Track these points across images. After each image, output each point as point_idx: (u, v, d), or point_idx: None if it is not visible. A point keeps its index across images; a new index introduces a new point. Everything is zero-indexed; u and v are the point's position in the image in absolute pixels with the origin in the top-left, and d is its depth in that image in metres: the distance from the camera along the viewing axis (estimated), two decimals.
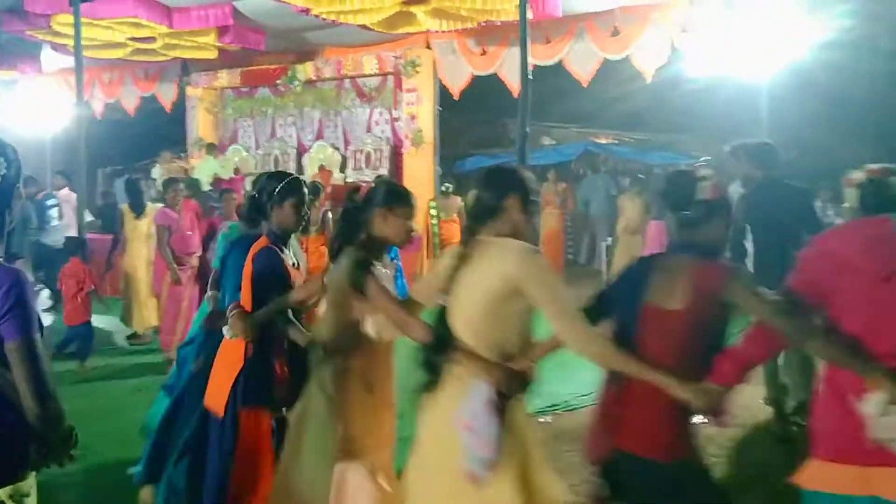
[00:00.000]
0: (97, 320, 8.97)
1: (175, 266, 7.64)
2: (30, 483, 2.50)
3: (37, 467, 2.48)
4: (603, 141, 15.83)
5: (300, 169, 14.17)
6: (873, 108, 12.72)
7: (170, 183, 8.14)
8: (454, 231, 11.24)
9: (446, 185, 11.95)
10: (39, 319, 2.41)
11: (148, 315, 8.65)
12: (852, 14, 9.46)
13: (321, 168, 13.68)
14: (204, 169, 12.99)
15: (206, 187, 10.51)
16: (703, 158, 13.70)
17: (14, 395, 2.34)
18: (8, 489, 2.43)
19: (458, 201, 11.63)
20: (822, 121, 13.12)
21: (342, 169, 13.59)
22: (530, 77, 6.02)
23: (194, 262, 7.86)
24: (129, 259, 8.76)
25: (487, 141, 15.99)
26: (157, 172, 14.37)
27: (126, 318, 8.93)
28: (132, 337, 8.86)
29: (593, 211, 13.97)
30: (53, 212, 10.58)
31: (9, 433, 2.39)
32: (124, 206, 8.96)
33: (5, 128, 15.43)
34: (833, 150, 12.88)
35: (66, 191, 11.27)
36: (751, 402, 6.05)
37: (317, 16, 9.62)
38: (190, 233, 7.81)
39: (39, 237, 10.42)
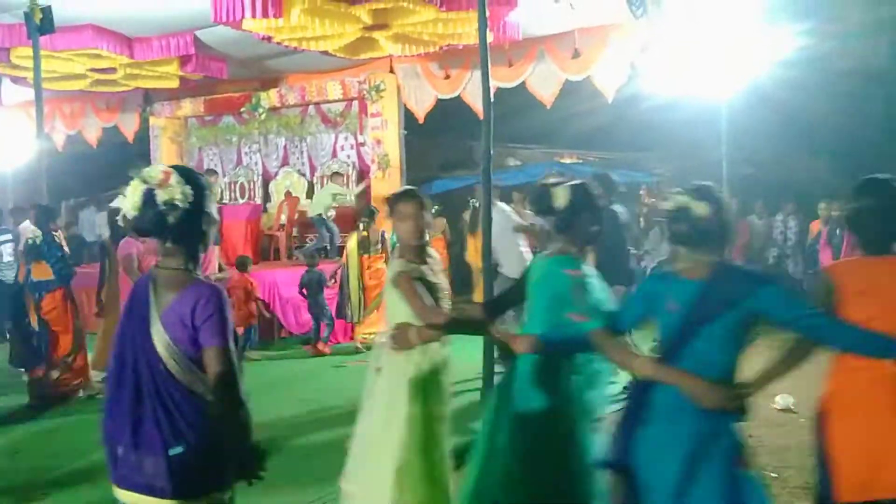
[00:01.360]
0: None
1: None
2: (227, 496, 2.62)
3: (232, 481, 2.59)
4: (567, 161, 15.98)
5: (267, 196, 14.14)
6: (830, 125, 12.98)
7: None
8: (438, 249, 11.32)
9: (435, 207, 12.05)
10: (235, 331, 2.60)
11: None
12: (809, 33, 9.67)
13: (287, 194, 13.67)
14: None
15: None
16: (659, 174, 13.91)
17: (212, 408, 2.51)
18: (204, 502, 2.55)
19: (443, 222, 11.87)
20: (780, 137, 13.37)
21: (309, 195, 13.57)
22: (492, 100, 6.06)
23: None
24: (112, 293, 8.55)
25: (453, 163, 16.06)
26: (121, 203, 14.20)
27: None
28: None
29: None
30: (6, 247, 10.38)
31: (207, 444, 2.51)
32: (106, 239, 8.81)
33: None
34: (790, 167, 13.13)
35: (26, 224, 11.08)
36: None
37: (279, 43, 9.63)
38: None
39: None
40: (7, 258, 10.28)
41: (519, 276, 3.73)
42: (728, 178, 9.71)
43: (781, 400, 6.39)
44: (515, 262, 7.64)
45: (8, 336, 10.07)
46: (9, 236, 10.39)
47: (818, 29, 10.11)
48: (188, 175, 2.63)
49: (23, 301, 8.03)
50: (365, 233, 9.72)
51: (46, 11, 8.22)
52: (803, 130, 13.47)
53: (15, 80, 11.68)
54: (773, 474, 5.18)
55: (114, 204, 9.99)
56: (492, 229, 6.25)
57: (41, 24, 8.25)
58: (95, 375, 8.60)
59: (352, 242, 9.69)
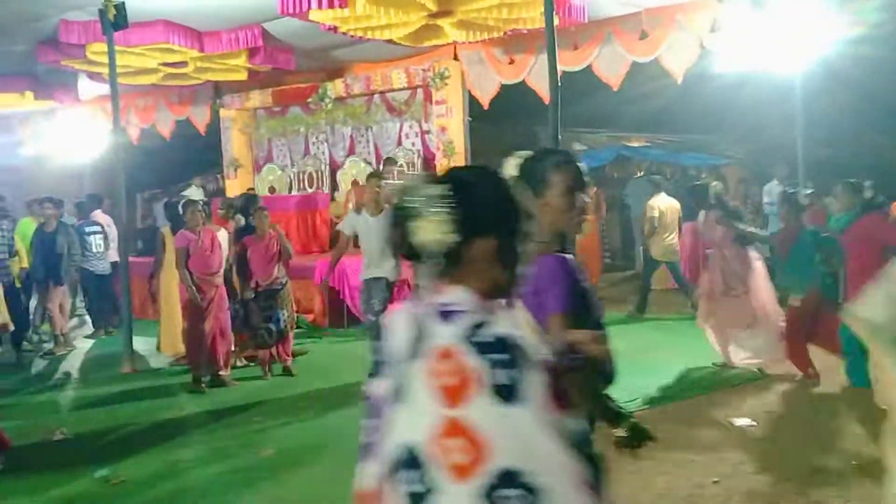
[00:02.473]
0: (139, 342, 9.14)
1: (193, 288, 7.61)
2: None
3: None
4: (635, 144, 15.72)
5: (334, 185, 14.28)
6: None
7: (188, 205, 8.17)
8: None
9: None
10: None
11: (178, 338, 8.60)
12: (882, 9, 9.31)
13: (354, 183, 13.78)
14: None
15: None
16: (731, 156, 13.57)
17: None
18: None
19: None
20: (859, 117, 12.93)
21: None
22: (559, 84, 6.00)
23: (217, 281, 7.85)
24: (165, 281, 8.83)
25: (518, 149, 15.85)
26: (193, 193, 14.58)
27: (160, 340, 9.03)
28: (177, 362, 8.80)
29: (635, 214, 13.91)
30: (95, 238, 10.72)
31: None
32: (165, 229, 9.04)
33: (46, 156, 15.83)
34: (871, 147, 12.68)
35: (97, 212, 11.44)
36: None
37: (344, 33, 9.69)
38: (209, 253, 7.78)
39: (82, 264, 10.57)
40: (96, 249, 10.61)
41: None
42: (804, 159, 9.47)
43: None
44: None
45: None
46: (97, 227, 10.72)
47: (893, 3, 9.73)
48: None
49: None
50: None
51: (120, 8, 8.44)
52: (883, 109, 13.01)
53: (91, 75, 12.00)
54: (853, 462, 5.05)
55: (185, 193, 10.31)
56: None
57: (115, 21, 8.48)
58: (162, 359, 8.88)
59: None
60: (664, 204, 10.64)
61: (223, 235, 8.39)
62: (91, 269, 10.59)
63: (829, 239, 7.22)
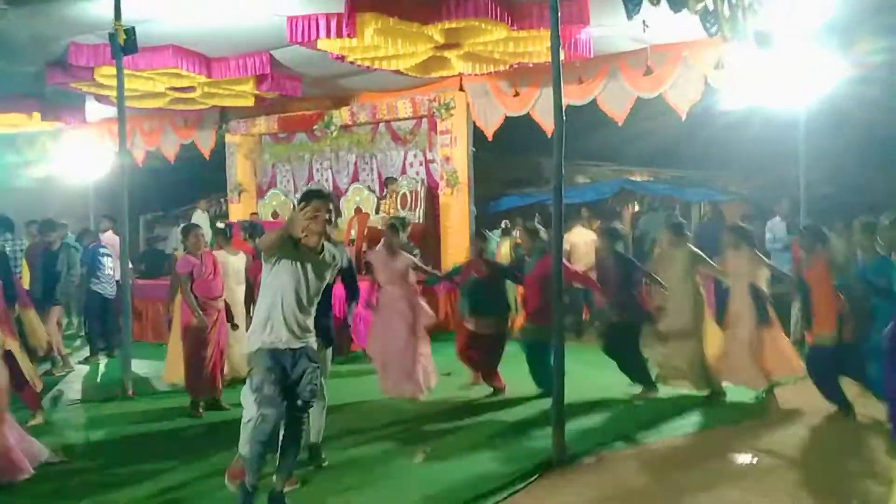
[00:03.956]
0: (138, 365, 9.09)
1: (200, 312, 7.56)
2: None
3: None
4: (638, 178, 15.78)
5: (338, 212, 14.32)
6: None
7: (189, 229, 8.15)
8: None
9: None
10: None
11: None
12: (886, 51, 9.39)
13: (357, 210, 13.82)
14: None
15: None
16: (735, 192, 13.61)
17: None
18: None
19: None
20: (860, 157, 12.99)
21: (378, 211, 13.70)
22: (564, 118, 6.03)
23: (219, 305, 7.81)
24: (178, 307, 8.77)
25: (522, 180, 16.05)
26: (199, 217, 14.61)
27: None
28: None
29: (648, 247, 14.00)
30: (106, 260, 10.69)
31: None
32: (179, 254, 9.05)
33: (52, 177, 15.90)
34: (872, 187, 12.72)
35: (110, 233, 11.46)
36: None
37: (352, 62, 9.78)
38: (212, 277, 7.75)
39: (91, 285, 10.57)
40: (107, 270, 10.57)
41: None
42: (806, 197, 9.50)
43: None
44: None
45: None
46: (108, 250, 10.70)
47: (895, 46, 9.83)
48: None
49: None
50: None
51: (130, 33, 8.50)
52: (885, 150, 13.07)
53: (98, 98, 12.09)
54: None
55: (193, 219, 10.26)
56: None
57: (125, 45, 8.53)
58: (163, 384, 8.80)
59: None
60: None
61: (241, 258, 8.36)
62: (101, 291, 10.55)
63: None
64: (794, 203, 10.34)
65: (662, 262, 8.07)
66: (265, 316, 4.70)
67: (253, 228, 9.39)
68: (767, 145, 11.68)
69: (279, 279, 4.67)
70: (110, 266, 10.57)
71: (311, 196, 4.75)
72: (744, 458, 5.91)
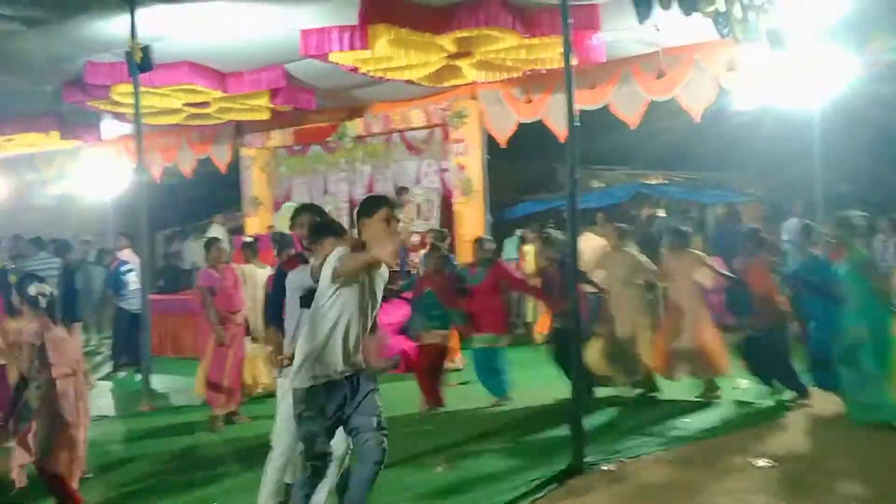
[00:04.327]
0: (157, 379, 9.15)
1: (219, 327, 7.59)
2: None
3: None
4: (653, 181, 15.73)
5: (353, 223, 14.36)
6: None
7: (210, 243, 8.19)
8: None
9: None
10: None
11: None
12: None
13: None
14: None
15: None
16: (751, 193, 13.54)
17: None
18: None
19: None
20: (878, 155, 12.90)
21: None
22: (577, 124, 6.04)
23: (239, 320, 7.84)
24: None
25: (536, 186, 16.02)
26: (216, 231, 14.69)
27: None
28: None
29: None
30: (131, 276, 10.76)
31: None
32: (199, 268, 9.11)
33: (70, 194, 16.05)
34: (890, 185, 12.62)
35: (128, 252, 11.56)
36: None
37: (365, 74, 9.83)
38: (233, 291, 7.79)
39: (118, 303, 10.66)
40: (133, 286, 10.64)
41: None
42: (823, 196, 9.45)
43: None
44: None
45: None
46: (130, 266, 10.77)
47: None
48: None
49: None
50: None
51: (146, 51, 8.60)
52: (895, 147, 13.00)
53: (115, 115, 12.21)
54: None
55: (209, 233, 10.27)
56: None
57: (141, 63, 8.64)
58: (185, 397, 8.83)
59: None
60: None
61: (268, 272, 8.22)
62: (128, 307, 10.63)
63: None
64: (809, 203, 10.29)
65: (607, 264, 8.16)
66: (319, 346, 4.16)
67: (283, 240, 9.34)
68: (782, 145, 11.62)
69: (343, 304, 4.15)
70: (135, 281, 10.64)
71: (379, 203, 4.36)
72: (763, 463, 5.88)
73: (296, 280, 4.81)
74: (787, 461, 5.84)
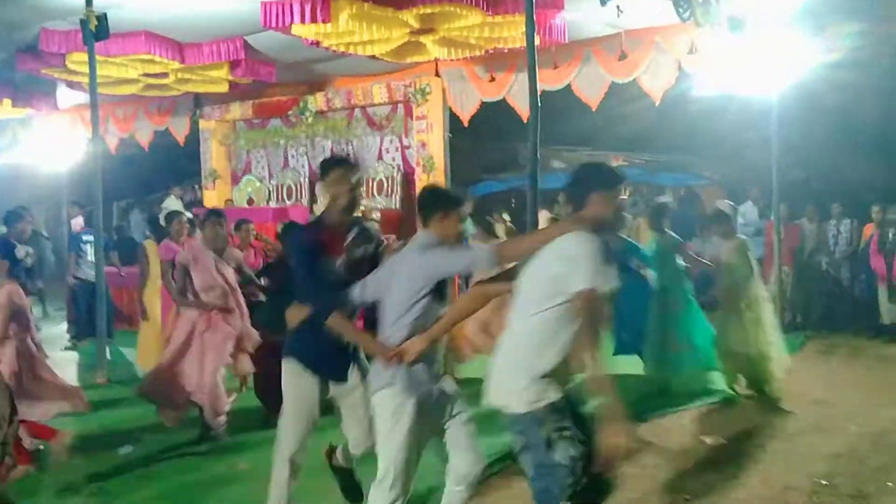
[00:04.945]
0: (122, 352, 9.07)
1: (182, 298, 7.52)
2: None
3: None
4: (613, 163, 15.86)
5: (313, 198, 14.28)
6: (883, 128, 12.72)
7: (172, 216, 8.09)
8: None
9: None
10: None
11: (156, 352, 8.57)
12: (860, 35, 9.49)
13: None
14: None
15: None
16: (709, 177, 13.73)
17: None
18: None
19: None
20: (833, 141, 13.11)
21: None
22: (539, 102, 6.07)
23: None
24: (149, 294, 8.76)
25: (498, 165, 16.08)
26: (172, 204, 14.52)
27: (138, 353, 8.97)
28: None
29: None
30: (89, 247, 10.59)
31: None
32: (148, 243, 8.98)
33: (23, 164, 15.71)
34: (844, 171, 12.86)
35: (78, 219, 11.37)
36: None
37: (327, 48, 9.73)
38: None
39: (76, 273, 10.49)
40: (91, 257, 10.46)
41: None
42: (778, 181, 9.61)
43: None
44: None
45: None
46: (91, 236, 10.59)
47: (870, 30, 9.93)
48: None
49: None
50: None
51: (102, 19, 8.42)
52: (857, 134, 13.21)
53: (70, 84, 11.95)
54: (823, 482, 5.11)
55: (164, 204, 10.17)
56: None
57: (97, 31, 8.45)
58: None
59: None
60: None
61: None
62: (85, 277, 10.48)
63: None
64: (766, 186, 10.46)
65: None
66: (566, 353, 3.34)
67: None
68: (741, 130, 11.78)
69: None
70: (91, 252, 10.50)
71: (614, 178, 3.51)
72: (715, 439, 6.01)
73: (443, 263, 3.74)
74: (739, 438, 5.99)
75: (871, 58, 10.36)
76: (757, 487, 5.07)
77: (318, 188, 14.00)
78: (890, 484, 4.32)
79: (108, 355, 8.79)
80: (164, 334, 8.01)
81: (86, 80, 9.60)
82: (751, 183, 11.60)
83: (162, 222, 8.41)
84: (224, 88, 12.43)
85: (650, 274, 7.76)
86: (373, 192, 13.45)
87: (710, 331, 7.59)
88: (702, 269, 8.20)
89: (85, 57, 9.13)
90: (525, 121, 8.63)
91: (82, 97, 12.58)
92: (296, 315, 4.05)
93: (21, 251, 5.07)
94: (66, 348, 10.59)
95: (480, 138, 14.48)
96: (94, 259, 10.36)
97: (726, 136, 13.01)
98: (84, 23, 8.45)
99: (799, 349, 9.54)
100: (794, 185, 10.87)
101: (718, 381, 7.65)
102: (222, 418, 6.37)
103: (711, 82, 10.39)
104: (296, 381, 4.21)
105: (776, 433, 6.23)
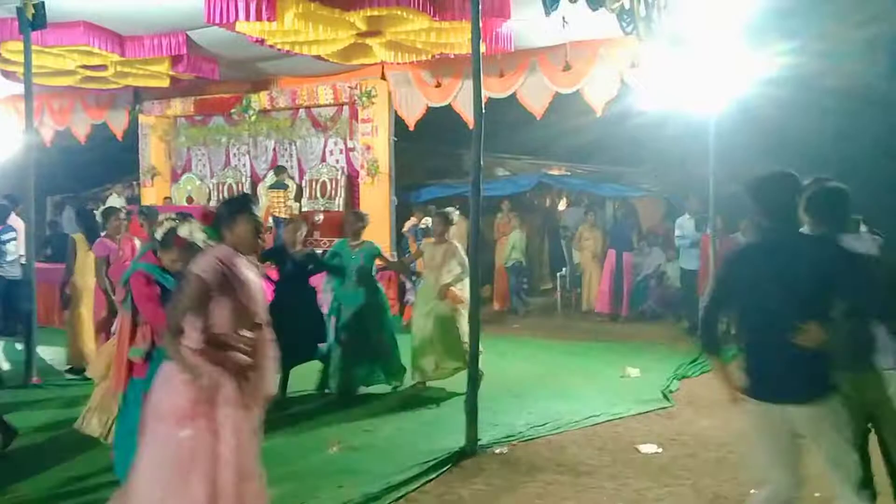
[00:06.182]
0: (44, 351, 8.82)
1: (113, 297, 7.38)
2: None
3: None
4: (556, 172, 16.00)
5: (255, 198, 14.11)
6: (818, 144, 13.09)
7: (110, 212, 7.95)
8: None
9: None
10: None
11: (88, 348, 8.43)
12: (798, 52, 9.76)
13: None
14: None
15: None
16: (647, 188, 13.97)
17: None
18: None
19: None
20: (768, 156, 13.40)
21: (297, 198, 13.56)
22: (483, 111, 6.09)
23: None
24: (76, 290, 8.58)
25: (442, 171, 16.07)
26: (114, 201, 14.22)
27: (68, 351, 8.75)
28: (70, 371, 8.61)
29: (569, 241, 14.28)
30: (11, 245, 10.23)
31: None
32: (77, 236, 8.76)
33: None
34: None
35: (13, 216, 11.01)
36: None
37: (271, 46, 9.64)
38: (128, 263, 7.57)
39: None
40: (11, 255, 10.09)
41: None
42: (715, 195, 9.80)
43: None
44: None
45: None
46: (13, 234, 10.24)
47: (806, 47, 10.21)
48: None
49: None
50: None
51: (39, 7, 8.19)
52: (792, 149, 13.52)
53: (5, 74, 11.61)
54: (752, 490, 5.20)
55: (108, 202, 9.95)
56: None
57: (33, 20, 8.23)
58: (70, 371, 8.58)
59: None
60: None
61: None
62: (4, 274, 10.12)
63: None
64: (702, 201, 10.66)
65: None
66: None
67: (150, 213, 8.92)
68: (680, 143, 11.97)
69: None
70: (14, 250, 10.14)
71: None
72: (649, 448, 6.09)
73: None
74: (673, 447, 6.08)
75: (807, 75, 10.65)
76: (688, 496, 5.15)
77: (260, 188, 13.86)
78: (817, 494, 4.42)
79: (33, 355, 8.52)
80: (95, 328, 7.89)
81: (20, 69, 9.32)
82: (688, 195, 11.81)
83: (99, 218, 8.23)
84: (165, 83, 12.21)
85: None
86: (316, 194, 13.36)
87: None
88: None
89: (20, 46, 8.88)
90: (470, 127, 8.66)
91: (16, 87, 12.23)
92: None
93: None
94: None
95: (425, 143, 14.48)
96: (13, 257, 10.02)
97: (667, 149, 13.22)
98: (20, 11, 8.21)
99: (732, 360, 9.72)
100: (731, 199, 11.09)
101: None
102: None
103: (652, 96, 10.57)
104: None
105: (707, 442, 6.33)
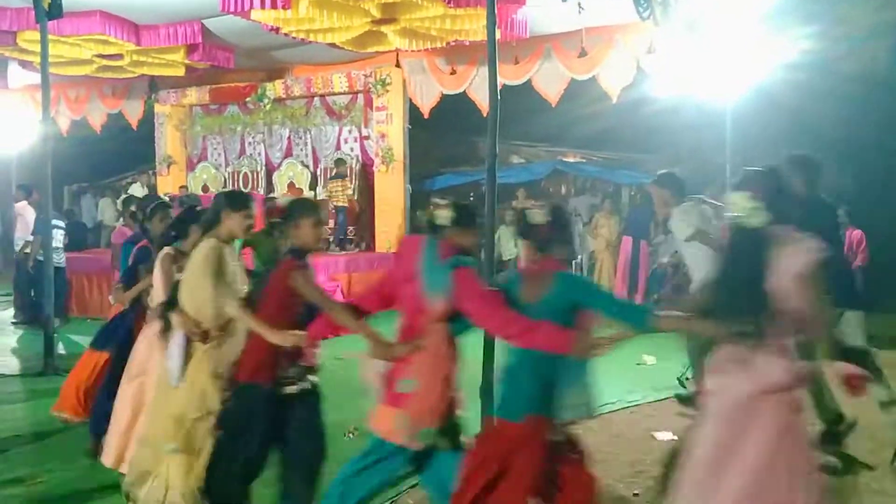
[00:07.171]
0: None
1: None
2: None
3: None
4: (571, 160, 15.93)
5: (270, 186, 14.16)
6: (835, 129, 12.97)
7: (129, 201, 7.99)
8: None
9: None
10: None
11: None
12: (816, 36, 9.64)
13: (290, 185, 13.68)
14: None
15: None
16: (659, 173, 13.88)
17: None
18: None
19: None
20: (785, 141, 13.29)
21: (312, 187, 13.58)
22: (499, 97, 6.06)
23: None
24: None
25: (457, 159, 16.05)
26: (136, 191, 14.29)
27: None
28: None
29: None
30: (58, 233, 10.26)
31: None
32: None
33: None
34: None
35: (23, 204, 11.10)
36: None
37: (286, 34, 9.64)
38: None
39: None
40: (57, 244, 10.12)
41: None
42: (732, 181, 9.72)
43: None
44: None
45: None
46: (61, 223, 10.29)
47: (824, 32, 10.08)
48: None
49: None
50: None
51: None
52: (809, 134, 13.41)
53: (22, 63, 11.69)
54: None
55: (130, 192, 9.92)
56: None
57: (50, 9, 8.25)
58: None
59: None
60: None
61: None
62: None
63: None
64: (720, 185, 10.59)
65: None
66: None
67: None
68: (697, 130, 11.89)
69: None
70: (59, 239, 10.13)
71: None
72: (664, 435, 6.08)
73: None
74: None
75: (825, 60, 10.54)
76: None
77: (275, 177, 13.89)
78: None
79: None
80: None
81: (37, 59, 9.36)
82: (705, 182, 11.73)
83: (119, 207, 8.27)
84: (180, 72, 12.24)
85: None
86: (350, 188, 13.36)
87: None
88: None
89: (37, 35, 8.89)
90: (485, 115, 8.63)
91: (34, 77, 12.30)
92: None
93: None
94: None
95: (440, 131, 14.46)
96: (60, 245, 10.11)
97: (683, 136, 13.13)
98: (37, 0, 8.24)
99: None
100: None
101: None
102: None
103: (669, 82, 10.49)
104: None
105: None
